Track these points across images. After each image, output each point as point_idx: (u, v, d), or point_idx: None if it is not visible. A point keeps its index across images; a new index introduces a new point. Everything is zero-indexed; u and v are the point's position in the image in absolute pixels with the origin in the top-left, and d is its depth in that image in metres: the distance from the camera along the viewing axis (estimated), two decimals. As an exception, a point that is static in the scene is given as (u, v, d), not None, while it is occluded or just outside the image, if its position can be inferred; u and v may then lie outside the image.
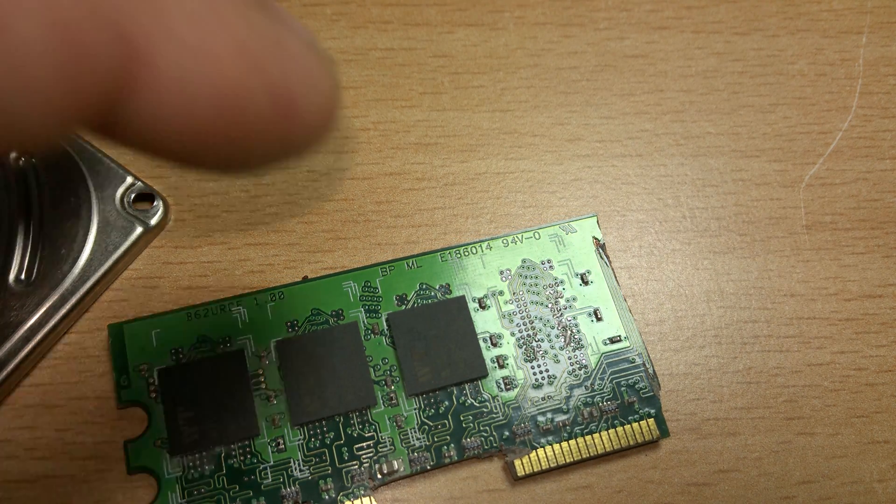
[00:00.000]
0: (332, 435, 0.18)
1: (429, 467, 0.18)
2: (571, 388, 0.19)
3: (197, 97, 0.09)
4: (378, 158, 0.22)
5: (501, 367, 0.19)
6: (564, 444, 0.18)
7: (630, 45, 0.24)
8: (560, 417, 0.19)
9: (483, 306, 0.20)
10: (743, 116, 0.23)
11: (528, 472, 0.18)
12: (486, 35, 0.23)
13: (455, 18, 0.24)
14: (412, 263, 0.20)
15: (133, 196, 0.20)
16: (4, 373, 0.18)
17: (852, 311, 0.21)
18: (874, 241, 0.22)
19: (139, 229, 0.19)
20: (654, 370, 0.19)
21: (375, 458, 0.18)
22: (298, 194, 0.21)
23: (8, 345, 0.18)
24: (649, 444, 0.19)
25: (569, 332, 0.19)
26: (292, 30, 0.10)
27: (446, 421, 0.18)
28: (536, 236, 0.20)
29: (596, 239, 0.20)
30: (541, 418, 0.18)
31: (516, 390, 0.19)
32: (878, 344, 0.21)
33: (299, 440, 0.18)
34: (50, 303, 0.18)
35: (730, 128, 0.23)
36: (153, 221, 0.20)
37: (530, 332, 0.19)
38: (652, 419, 0.19)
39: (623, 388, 0.19)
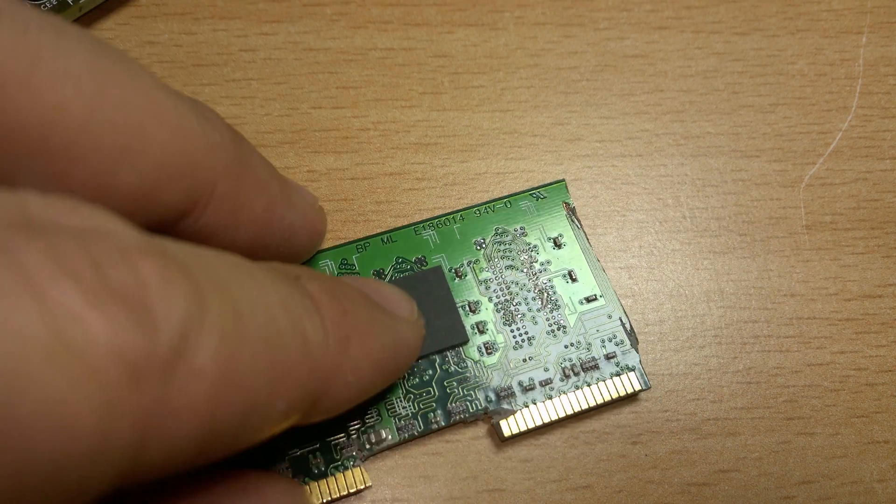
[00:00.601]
0: None
1: (416, 434, 0.18)
2: (551, 347, 0.19)
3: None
4: (378, 158, 0.22)
5: (482, 332, 0.19)
6: (549, 401, 0.19)
7: (630, 45, 0.24)
8: (542, 376, 0.19)
9: (460, 275, 0.20)
10: (743, 116, 0.23)
11: (514, 433, 0.18)
12: (486, 35, 0.23)
13: (455, 18, 0.24)
14: (387, 238, 0.20)
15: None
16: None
17: (852, 311, 0.21)
18: (874, 241, 0.22)
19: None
20: (631, 325, 0.19)
21: (363, 428, 0.18)
22: (298, 194, 0.21)
23: None
24: (631, 398, 0.19)
25: (545, 294, 0.20)
26: (301, 192, 0.17)
27: (431, 388, 0.18)
28: (508, 205, 0.21)
29: (566, 203, 0.21)
30: (523, 378, 0.19)
31: (497, 354, 0.19)
32: (878, 344, 0.21)
33: None
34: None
35: (730, 128, 0.23)
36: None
37: (507, 297, 0.20)
38: (632, 372, 0.19)
39: (602, 344, 0.19)
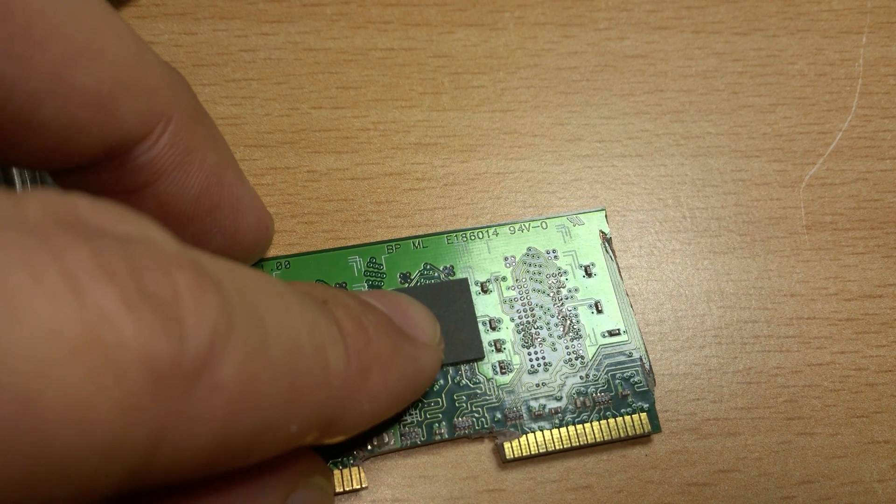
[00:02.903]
0: None
1: (419, 442, 0.18)
2: (566, 376, 0.19)
3: None
4: (378, 158, 0.22)
5: (499, 350, 0.19)
6: (555, 430, 0.18)
7: (630, 45, 0.24)
8: (553, 404, 0.19)
9: (485, 290, 0.20)
10: (743, 116, 0.23)
11: (517, 456, 0.18)
12: (486, 35, 0.23)
13: (455, 18, 0.24)
14: (418, 243, 0.20)
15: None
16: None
17: (852, 311, 0.21)
18: (874, 241, 0.22)
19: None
20: (650, 365, 0.19)
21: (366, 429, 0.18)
22: (298, 194, 0.21)
23: None
24: (640, 438, 0.19)
25: (568, 321, 0.19)
26: (253, 200, 0.18)
27: (440, 399, 0.18)
28: (543, 226, 0.21)
29: (603, 233, 0.21)
30: (533, 404, 0.19)
31: (511, 375, 0.19)
32: (878, 344, 0.21)
33: None
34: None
35: (730, 128, 0.23)
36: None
37: (530, 319, 0.19)
38: (644, 413, 0.19)
39: (618, 381, 0.19)
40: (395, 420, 0.18)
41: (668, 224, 0.22)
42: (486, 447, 0.19)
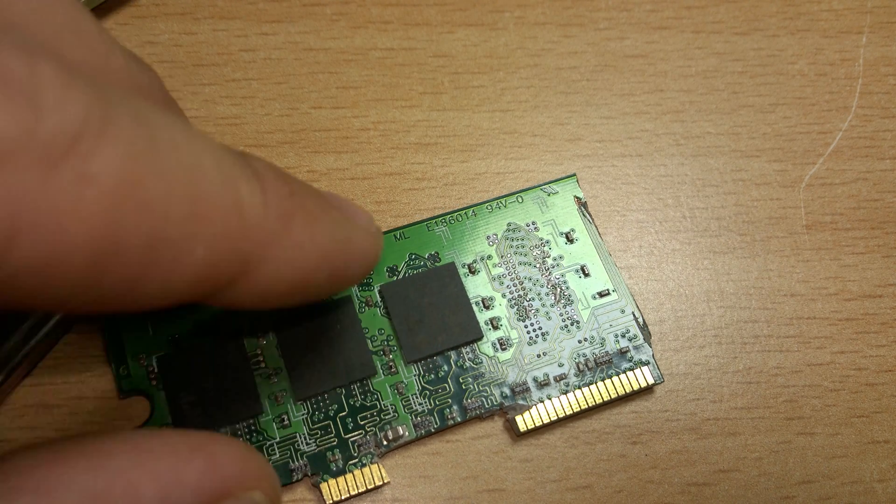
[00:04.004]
0: (335, 407, 0.18)
1: (433, 430, 0.18)
2: (565, 342, 0.19)
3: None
4: (378, 158, 0.22)
5: (496, 328, 0.19)
6: (563, 396, 0.19)
7: (630, 45, 0.24)
8: (556, 371, 0.19)
9: (473, 271, 0.20)
10: (743, 116, 0.23)
11: (529, 428, 0.18)
12: (486, 35, 0.23)
13: (455, 18, 0.24)
14: (399, 235, 0.20)
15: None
16: (4, 372, 0.18)
17: (852, 311, 0.21)
18: (874, 241, 0.22)
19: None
20: (643, 320, 0.20)
21: (380, 425, 0.18)
22: (298, 194, 0.21)
23: (8, 344, 0.18)
24: (645, 391, 0.19)
25: (558, 289, 0.20)
26: (354, 216, 0.16)
27: (446, 384, 0.19)
28: (519, 200, 0.21)
29: (577, 198, 0.21)
30: (538, 374, 0.19)
31: (512, 349, 0.19)
32: (878, 344, 0.21)
33: (303, 415, 0.18)
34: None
35: (730, 128, 0.23)
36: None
37: (521, 293, 0.20)
38: (646, 366, 0.19)
39: (615, 339, 0.19)
40: (406, 411, 0.18)
41: (668, 224, 0.22)
42: (486, 446, 0.19)
